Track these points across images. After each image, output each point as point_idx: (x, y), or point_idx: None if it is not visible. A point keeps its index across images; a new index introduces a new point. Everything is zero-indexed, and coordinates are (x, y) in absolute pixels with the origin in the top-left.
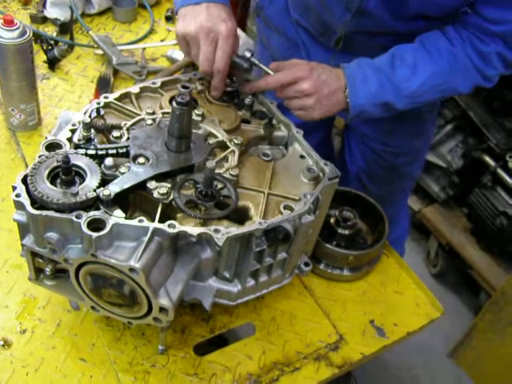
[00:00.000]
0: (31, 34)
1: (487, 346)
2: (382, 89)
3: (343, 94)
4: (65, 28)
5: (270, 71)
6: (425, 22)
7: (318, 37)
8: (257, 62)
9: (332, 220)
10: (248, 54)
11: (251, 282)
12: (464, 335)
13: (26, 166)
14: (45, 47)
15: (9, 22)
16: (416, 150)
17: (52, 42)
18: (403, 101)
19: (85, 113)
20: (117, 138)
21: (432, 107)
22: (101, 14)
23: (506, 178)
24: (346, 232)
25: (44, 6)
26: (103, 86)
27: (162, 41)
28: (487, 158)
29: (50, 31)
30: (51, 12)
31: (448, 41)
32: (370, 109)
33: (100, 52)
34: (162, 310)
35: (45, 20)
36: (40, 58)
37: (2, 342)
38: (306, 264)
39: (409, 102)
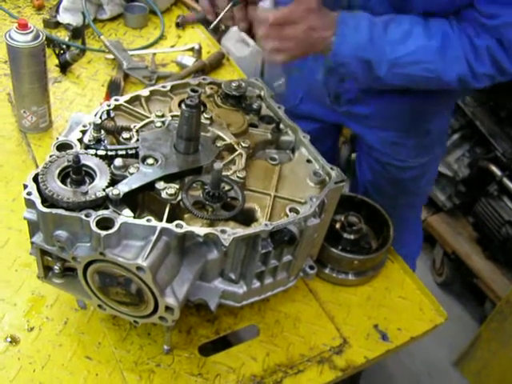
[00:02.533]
0: (44, 38)
1: (492, 356)
2: (369, 43)
3: (324, 42)
4: (77, 33)
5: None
6: None
7: None
8: None
9: (337, 225)
10: None
11: (256, 284)
12: (469, 344)
13: (37, 167)
14: (57, 51)
15: (23, 26)
16: (422, 167)
17: (64, 46)
18: (384, 65)
19: (95, 114)
20: (126, 139)
21: (440, 125)
22: (112, 19)
23: None
24: (352, 237)
25: (57, 11)
26: (113, 89)
27: (172, 47)
28: (494, 168)
29: (63, 36)
30: (64, 17)
31: (449, 25)
32: (351, 62)
33: (111, 57)
34: (168, 308)
35: (57, 25)
36: (52, 61)
37: (10, 339)
38: (311, 267)
39: (390, 68)
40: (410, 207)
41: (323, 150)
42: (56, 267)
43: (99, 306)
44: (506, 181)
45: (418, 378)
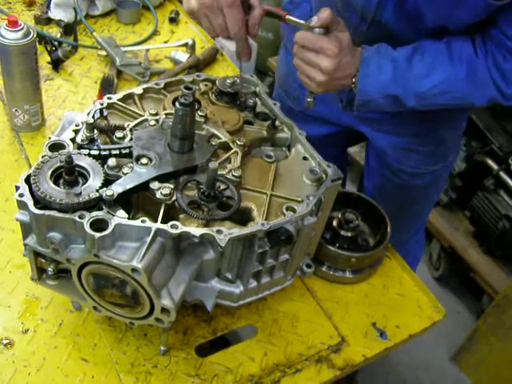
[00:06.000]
0: (35, 35)
1: (489, 350)
2: (393, 81)
3: (351, 79)
4: (69, 29)
5: (303, 23)
6: (447, 35)
7: None
8: (291, 18)
9: (334, 222)
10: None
11: (253, 284)
12: (466, 339)
13: (30, 166)
14: (49, 48)
15: (13, 23)
16: (433, 175)
17: (56, 43)
18: (412, 98)
19: (88, 113)
20: (120, 138)
21: (455, 132)
22: (105, 15)
23: (509, 181)
24: (349, 234)
25: (48, 7)
26: (107, 87)
27: (165, 42)
28: (490, 162)
29: (54, 32)
30: (55, 13)
31: (473, 49)
32: (378, 99)
33: (104, 53)
34: (164, 310)
35: (49, 21)
36: (44, 58)
37: (4, 342)
38: (308, 266)
39: (418, 101)
40: (417, 216)
41: (333, 156)
42: (50, 269)
43: (94, 307)
44: (502, 175)
45: (416, 373)
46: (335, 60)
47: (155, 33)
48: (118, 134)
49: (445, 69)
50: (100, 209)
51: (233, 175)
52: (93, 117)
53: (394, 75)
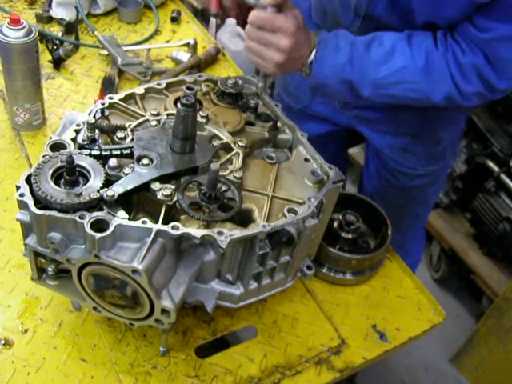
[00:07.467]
0: (37, 34)
1: (489, 352)
2: (350, 64)
3: (306, 60)
4: (70, 28)
5: (253, 2)
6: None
7: None
8: None
9: (335, 224)
10: None
11: (254, 285)
12: (466, 341)
13: (30, 165)
14: (50, 47)
15: (15, 22)
16: (432, 175)
17: (57, 41)
18: (367, 86)
19: (89, 113)
20: (121, 138)
21: (453, 133)
22: (106, 14)
23: (510, 183)
24: (349, 236)
25: (50, 5)
26: (108, 86)
27: (167, 42)
28: (491, 164)
29: (56, 31)
30: (57, 12)
31: (434, 42)
32: (334, 84)
33: (105, 52)
34: (164, 311)
35: (50, 20)
36: (45, 57)
37: (3, 342)
38: (309, 267)
39: (374, 89)
40: (416, 217)
41: (332, 155)
42: (50, 269)
43: (94, 308)
44: (503, 177)
45: (415, 375)
46: (293, 38)
47: (157, 32)
48: (119, 134)
49: (403, 57)
50: (101, 209)
51: (234, 176)
52: (94, 116)
53: (350, 58)
